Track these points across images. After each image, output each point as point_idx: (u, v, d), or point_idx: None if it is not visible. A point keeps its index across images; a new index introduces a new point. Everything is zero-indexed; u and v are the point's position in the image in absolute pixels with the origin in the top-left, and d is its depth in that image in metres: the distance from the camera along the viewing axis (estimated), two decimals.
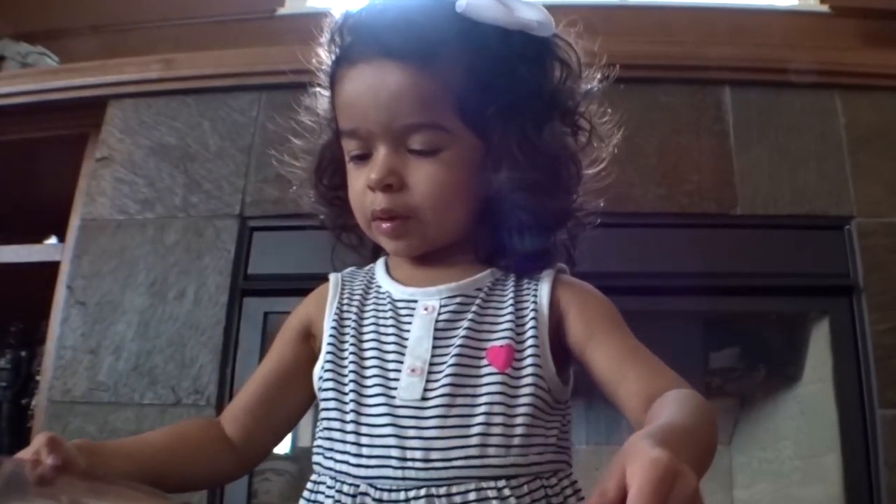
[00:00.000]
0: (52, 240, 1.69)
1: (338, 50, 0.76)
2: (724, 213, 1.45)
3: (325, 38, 0.78)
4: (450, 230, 0.75)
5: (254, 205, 1.47)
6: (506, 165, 0.72)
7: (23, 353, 1.66)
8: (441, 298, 0.74)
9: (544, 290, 0.73)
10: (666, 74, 1.50)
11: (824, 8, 2.00)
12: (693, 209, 1.45)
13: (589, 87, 0.78)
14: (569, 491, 0.70)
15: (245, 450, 0.77)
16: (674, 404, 0.60)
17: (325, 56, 0.78)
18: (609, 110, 0.80)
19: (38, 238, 1.69)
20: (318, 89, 0.81)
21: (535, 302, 0.73)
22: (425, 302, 0.74)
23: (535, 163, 0.72)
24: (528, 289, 0.74)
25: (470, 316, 0.72)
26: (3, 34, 1.84)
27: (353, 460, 0.69)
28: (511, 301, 0.73)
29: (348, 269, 0.83)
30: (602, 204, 0.80)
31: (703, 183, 1.46)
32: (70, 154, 1.57)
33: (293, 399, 0.78)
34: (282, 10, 2.05)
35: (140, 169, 1.51)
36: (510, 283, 0.75)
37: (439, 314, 0.73)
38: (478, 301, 0.73)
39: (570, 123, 0.78)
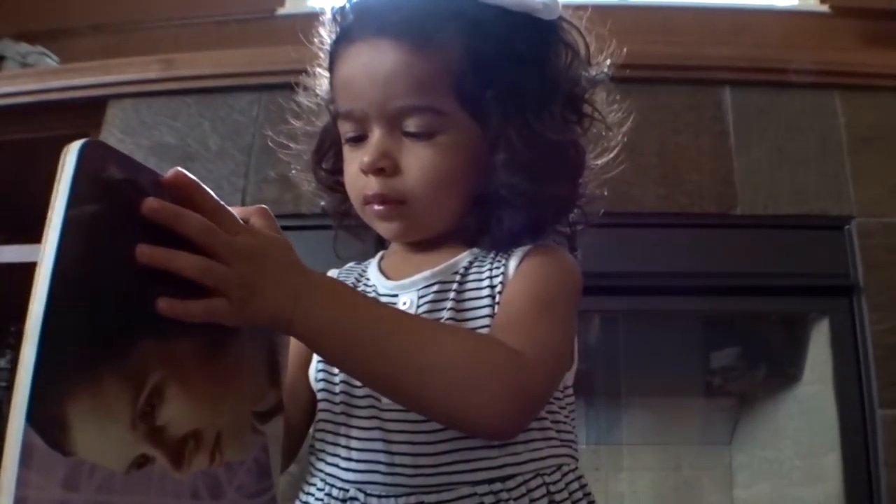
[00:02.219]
0: None
1: (338, 29, 0.74)
2: (724, 213, 1.45)
3: (327, 18, 0.75)
4: (444, 217, 0.71)
5: (254, 205, 1.46)
6: (503, 151, 0.69)
7: None
8: (418, 290, 0.70)
9: (513, 262, 0.69)
10: (666, 74, 1.50)
11: (824, 8, 2.00)
12: (693, 209, 1.45)
13: (596, 73, 0.75)
14: (575, 486, 0.67)
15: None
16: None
17: (326, 35, 0.76)
18: (618, 97, 0.77)
19: (38, 238, 1.69)
20: (318, 70, 0.79)
21: (504, 273, 0.68)
22: (404, 296, 0.71)
23: (533, 149, 0.69)
24: (499, 263, 0.70)
25: (449, 304, 0.68)
26: (3, 34, 1.84)
27: (342, 464, 0.67)
28: (487, 282, 0.69)
29: (348, 265, 0.81)
30: (605, 193, 0.77)
31: (703, 183, 1.46)
32: None
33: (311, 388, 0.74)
34: (282, 10, 2.05)
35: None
36: (488, 260, 0.71)
37: (418, 307, 0.69)
38: (454, 286, 0.69)
39: (574, 110, 0.74)
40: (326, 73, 0.77)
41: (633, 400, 1.66)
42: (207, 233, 0.50)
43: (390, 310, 0.63)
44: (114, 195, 0.44)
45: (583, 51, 0.75)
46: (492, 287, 0.68)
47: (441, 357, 0.56)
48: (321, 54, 0.78)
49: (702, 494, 1.67)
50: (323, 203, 0.82)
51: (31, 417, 0.39)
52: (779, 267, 1.44)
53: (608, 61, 0.76)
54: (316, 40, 0.77)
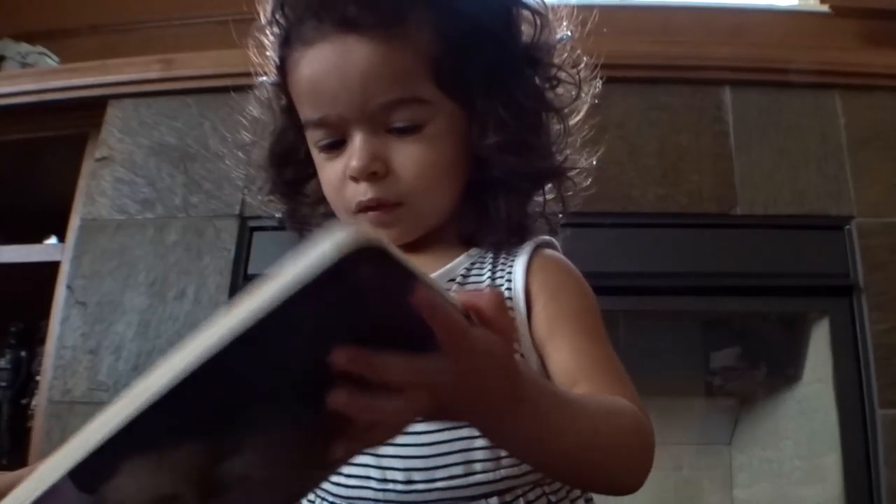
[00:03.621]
0: (52, 240, 1.69)
1: (282, 31, 0.69)
2: (724, 213, 1.45)
3: (264, 18, 0.70)
4: (441, 211, 0.69)
5: (254, 205, 1.46)
6: (492, 129, 0.66)
7: (23, 353, 1.65)
8: None
9: (519, 273, 0.65)
10: (666, 74, 1.50)
11: (824, 8, 1.99)
12: (693, 209, 1.45)
13: (560, 36, 0.72)
14: (575, 493, 0.65)
15: None
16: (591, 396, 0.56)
17: (267, 39, 0.71)
18: (584, 57, 0.74)
19: (38, 238, 1.69)
20: (262, 78, 0.74)
21: (509, 288, 0.65)
22: None
23: (522, 123, 0.66)
24: (502, 270, 0.66)
25: None
26: (3, 34, 1.84)
27: (332, 478, 0.64)
28: (488, 287, 0.66)
29: None
30: (590, 165, 0.75)
31: (703, 183, 1.46)
32: (70, 154, 1.57)
33: None
34: None
35: (140, 169, 1.51)
36: (487, 264, 0.68)
37: None
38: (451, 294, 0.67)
39: (548, 77, 0.71)
40: (273, 78, 0.73)
41: None
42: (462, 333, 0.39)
43: (575, 412, 0.51)
44: (340, 301, 0.35)
45: (546, 15, 0.71)
46: None
47: (607, 449, 0.52)
48: (263, 59, 0.73)
49: (702, 494, 1.67)
50: (278, 215, 0.77)
51: (74, 475, 0.35)
52: (779, 267, 1.44)
53: (565, 23, 0.73)
54: (251, 43, 0.73)
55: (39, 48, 1.80)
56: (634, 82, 1.45)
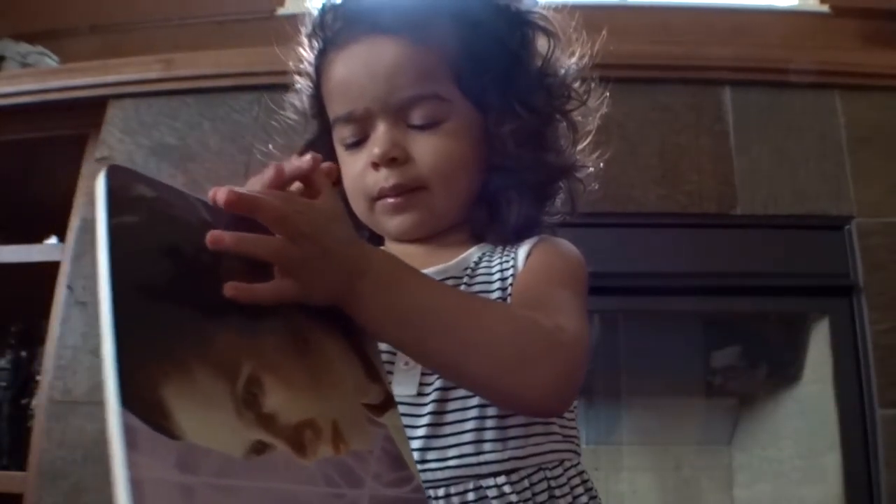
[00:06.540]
0: (52, 240, 1.69)
1: (321, 42, 0.75)
2: (724, 213, 1.45)
3: (306, 32, 0.77)
4: (457, 203, 0.73)
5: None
6: (508, 120, 0.71)
7: (23, 353, 1.65)
8: None
9: (521, 257, 0.70)
10: (666, 74, 1.50)
11: (824, 8, 2.00)
12: (693, 209, 1.45)
13: (572, 60, 0.78)
14: (576, 481, 0.67)
15: None
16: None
17: (306, 52, 0.77)
18: (593, 85, 0.80)
19: (38, 238, 1.69)
20: (298, 86, 0.80)
21: (513, 274, 0.69)
22: None
23: (536, 118, 0.72)
24: (507, 257, 0.71)
25: None
26: (3, 34, 1.84)
27: None
28: (498, 275, 0.69)
29: None
30: (597, 168, 0.80)
31: (703, 183, 1.46)
32: (70, 154, 1.57)
33: None
34: (282, 10, 2.05)
35: (140, 169, 1.50)
36: (496, 255, 0.72)
37: None
38: (465, 280, 0.70)
39: (558, 89, 0.77)
40: (308, 89, 0.78)
41: (633, 400, 1.66)
42: (283, 219, 0.49)
43: (440, 288, 0.61)
44: (150, 209, 0.48)
45: (560, 35, 0.77)
46: (502, 279, 0.69)
47: (485, 335, 0.55)
48: (301, 70, 0.78)
49: (702, 494, 1.67)
50: None
51: (124, 401, 0.39)
52: (779, 267, 1.44)
53: (584, 55, 0.79)
54: (293, 58, 0.78)
55: (39, 48, 1.80)
56: (634, 82, 1.45)
